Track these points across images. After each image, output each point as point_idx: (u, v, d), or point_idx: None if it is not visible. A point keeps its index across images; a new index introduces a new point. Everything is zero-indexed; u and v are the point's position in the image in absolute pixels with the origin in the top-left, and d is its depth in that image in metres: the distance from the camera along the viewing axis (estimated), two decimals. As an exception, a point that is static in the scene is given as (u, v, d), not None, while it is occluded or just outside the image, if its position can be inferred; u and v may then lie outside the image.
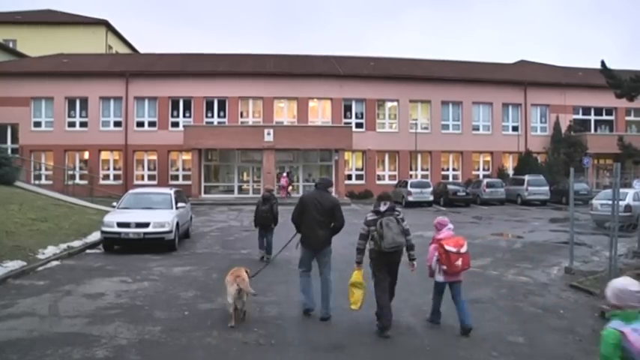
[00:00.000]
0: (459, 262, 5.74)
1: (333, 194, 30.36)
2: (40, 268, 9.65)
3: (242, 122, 30.68)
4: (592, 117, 33.94)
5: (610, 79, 15.13)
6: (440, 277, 5.95)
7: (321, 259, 6.61)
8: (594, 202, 16.69)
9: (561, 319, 6.64)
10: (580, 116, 33.54)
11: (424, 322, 6.32)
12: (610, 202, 7.71)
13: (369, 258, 6.04)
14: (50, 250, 10.84)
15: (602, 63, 15.36)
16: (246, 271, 6.49)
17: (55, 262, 10.25)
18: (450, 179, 31.02)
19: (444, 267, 5.80)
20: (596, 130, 33.71)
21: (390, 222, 5.77)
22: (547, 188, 26.39)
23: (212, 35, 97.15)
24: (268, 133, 28.15)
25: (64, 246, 11.49)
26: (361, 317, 6.22)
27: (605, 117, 34.03)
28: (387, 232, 5.69)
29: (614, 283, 2.81)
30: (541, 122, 33.37)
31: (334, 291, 6.62)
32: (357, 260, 6.08)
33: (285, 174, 28.71)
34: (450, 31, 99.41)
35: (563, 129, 31.66)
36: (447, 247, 5.72)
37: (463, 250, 5.79)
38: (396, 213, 5.97)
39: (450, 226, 6.07)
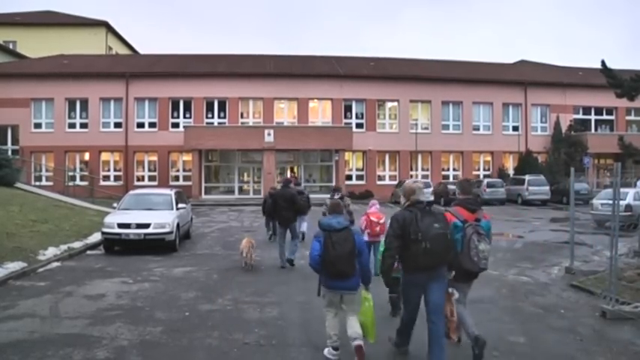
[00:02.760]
0: (378, 229, 8.26)
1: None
2: (41, 270, 9.65)
3: (242, 123, 30.71)
4: (592, 117, 33.96)
5: (610, 79, 15.06)
6: (365, 237, 7.94)
7: (291, 230, 10.17)
8: (595, 201, 16.69)
9: (562, 318, 6.63)
10: (580, 116, 33.56)
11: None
12: (610, 201, 7.71)
13: None
14: (51, 252, 10.84)
15: (603, 63, 15.31)
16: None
17: (55, 264, 10.25)
18: (451, 179, 30.97)
19: (368, 230, 8.31)
20: (596, 129, 33.72)
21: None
22: (547, 188, 26.38)
23: (212, 36, 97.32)
24: (269, 134, 28.18)
25: (64, 247, 11.49)
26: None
27: (605, 116, 34.05)
28: None
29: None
30: (541, 122, 33.37)
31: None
32: None
33: (290, 176, 28.73)
34: (450, 30, 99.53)
35: (564, 129, 31.67)
36: (371, 218, 8.44)
37: (381, 221, 8.29)
38: (345, 199, 9.38)
39: (378, 206, 8.75)
